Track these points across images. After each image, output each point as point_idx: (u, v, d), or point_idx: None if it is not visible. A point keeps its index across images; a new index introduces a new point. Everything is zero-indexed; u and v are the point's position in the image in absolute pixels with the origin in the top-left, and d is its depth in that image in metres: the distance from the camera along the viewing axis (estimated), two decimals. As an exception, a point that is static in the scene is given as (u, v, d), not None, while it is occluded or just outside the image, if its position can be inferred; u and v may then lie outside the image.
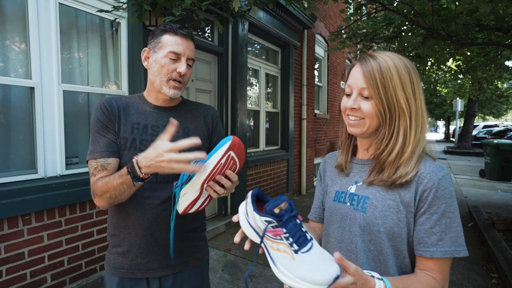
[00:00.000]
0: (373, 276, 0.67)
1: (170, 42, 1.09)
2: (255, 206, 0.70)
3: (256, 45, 5.02)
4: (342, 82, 8.21)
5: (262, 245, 0.68)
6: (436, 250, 0.75)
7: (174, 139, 1.10)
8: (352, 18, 4.10)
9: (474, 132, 17.48)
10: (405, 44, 4.32)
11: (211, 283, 2.73)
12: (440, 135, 37.59)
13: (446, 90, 14.31)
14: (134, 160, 0.92)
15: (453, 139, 20.24)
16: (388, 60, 0.80)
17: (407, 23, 3.80)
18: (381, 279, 0.68)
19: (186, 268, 1.18)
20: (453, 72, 7.10)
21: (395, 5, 3.49)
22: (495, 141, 8.09)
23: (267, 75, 5.27)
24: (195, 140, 0.84)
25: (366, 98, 0.81)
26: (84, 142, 2.54)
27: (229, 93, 4.10)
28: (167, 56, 1.08)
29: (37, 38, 2.16)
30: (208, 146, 1.24)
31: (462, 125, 16.26)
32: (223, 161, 0.90)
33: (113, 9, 2.27)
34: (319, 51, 6.97)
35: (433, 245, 0.75)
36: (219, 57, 4.03)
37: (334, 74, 7.66)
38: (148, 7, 2.16)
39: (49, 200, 2.16)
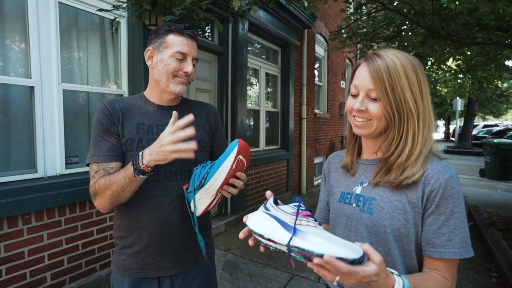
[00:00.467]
0: (392, 273, 0.67)
1: (176, 42, 1.10)
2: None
3: (256, 44, 5.01)
4: (342, 82, 8.21)
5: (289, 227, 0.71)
6: (445, 251, 0.74)
7: None
8: (352, 17, 4.09)
9: (474, 132, 17.47)
10: (405, 44, 4.32)
11: (211, 282, 2.72)
12: (440, 135, 37.59)
13: (446, 90, 14.31)
14: (139, 153, 0.97)
15: (453, 139, 20.24)
16: (395, 59, 0.78)
17: (407, 22, 3.79)
18: (399, 276, 0.67)
19: (196, 266, 1.19)
20: (453, 71, 7.10)
21: (395, 4, 3.49)
22: (495, 140, 8.10)
23: (267, 74, 5.27)
24: (191, 131, 0.91)
25: (374, 99, 0.79)
26: (84, 142, 2.54)
27: (229, 92, 4.10)
28: (174, 56, 1.09)
29: (37, 37, 2.15)
30: (211, 144, 1.26)
31: (462, 124, 16.26)
32: (234, 165, 0.97)
33: (113, 8, 2.27)
34: (319, 50, 6.97)
35: (441, 246, 0.75)
36: (219, 57, 4.03)
37: (334, 73, 7.66)
38: (148, 6, 2.16)
39: (49, 200, 2.16)
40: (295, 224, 0.68)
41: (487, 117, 27.51)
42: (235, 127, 4.09)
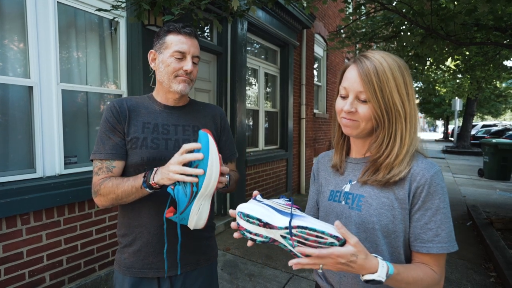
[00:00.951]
0: (376, 257, 0.70)
1: (174, 42, 1.10)
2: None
3: (255, 44, 5.02)
4: (341, 82, 8.20)
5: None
6: (433, 246, 0.77)
7: (186, 137, 1.16)
8: (351, 17, 4.10)
9: (473, 132, 17.51)
10: (404, 44, 4.33)
11: (210, 282, 2.72)
12: (439, 135, 37.66)
13: (445, 90, 14.34)
14: (155, 168, 0.98)
15: (452, 139, 20.28)
16: (383, 61, 0.80)
17: (406, 22, 3.80)
18: (384, 261, 0.70)
19: (197, 268, 1.19)
20: (451, 71, 7.11)
21: (394, 4, 3.49)
22: (494, 140, 8.12)
23: (266, 74, 5.27)
24: (197, 156, 0.90)
25: (364, 101, 0.81)
26: (83, 142, 2.53)
27: (228, 92, 4.10)
28: (173, 55, 1.10)
29: (35, 37, 2.15)
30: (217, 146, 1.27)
31: (461, 124, 16.28)
32: (218, 153, 0.94)
33: (112, 8, 2.27)
34: (318, 50, 6.98)
35: (429, 241, 0.78)
36: (218, 57, 4.03)
37: (333, 73, 7.66)
38: (147, 6, 2.16)
39: (48, 200, 2.15)
40: (291, 210, 0.73)
41: (486, 117, 27.57)
42: (234, 127, 4.09)
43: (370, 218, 0.82)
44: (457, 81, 10.25)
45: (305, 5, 3.69)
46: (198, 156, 0.90)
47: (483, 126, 19.93)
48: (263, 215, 0.70)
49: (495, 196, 6.11)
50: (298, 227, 0.66)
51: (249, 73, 4.85)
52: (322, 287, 0.96)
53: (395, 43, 4.60)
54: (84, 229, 2.42)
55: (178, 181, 0.94)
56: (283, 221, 0.69)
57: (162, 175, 0.94)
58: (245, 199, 4.44)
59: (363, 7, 3.96)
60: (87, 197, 2.36)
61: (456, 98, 14.89)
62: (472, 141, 16.05)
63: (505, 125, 19.82)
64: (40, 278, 2.17)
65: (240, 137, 4.15)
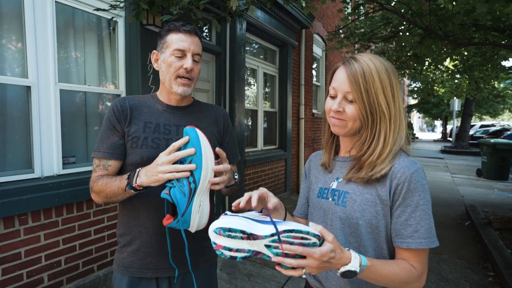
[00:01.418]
0: (348, 250, 0.73)
1: (174, 40, 1.10)
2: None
3: (254, 44, 5.01)
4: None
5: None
6: (412, 242, 0.79)
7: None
8: (349, 17, 4.10)
9: (471, 132, 17.55)
10: (403, 44, 4.33)
11: (209, 282, 2.72)
12: (437, 135, 37.76)
13: (443, 90, 14.39)
14: (137, 170, 0.97)
15: (450, 139, 20.33)
16: (370, 64, 0.83)
17: (404, 23, 3.81)
18: (356, 253, 0.73)
19: (196, 269, 1.18)
20: (450, 72, 7.13)
21: (392, 4, 3.50)
22: (492, 140, 8.14)
23: (265, 74, 5.27)
24: (189, 152, 0.89)
25: (351, 101, 0.84)
26: (81, 142, 2.53)
27: (227, 92, 4.10)
28: (173, 54, 1.10)
29: (33, 36, 2.14)
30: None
31: (459, 124, 16.32)
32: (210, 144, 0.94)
33: (110, 7, 2.26)
34: (317, 50, 6.98)
35: (409, 237, 0.80)
36: (217, 57, 4.03)
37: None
38: (146, 6, 2.15)
39: (46, 200, 2.14)
40: (270, 217, 0.72)
41: (484, 117, 27.63)
42: (233, 127, 4.07)
43: (354, 213, 0.85)
44: (456, 81, 10.28)
45: (304, 5, 3.69)
46: (190, 151, 0.89)
47: (481, 126, 19.97)
48: (245, 227, 0.67)
49: (493, 196, 6.13)
50: (285, 231, 0.66)
51: (248, 73, 4.85)
52: (311, 285, 0.99)
53: (394, 43, 4.61)
54: (83, 229, 2.42)
55: (172, 183, 0.92)
56: (267, 229, 0.68)
57: (148, 177, 0.92)
58: (244, 199, 4.43)
59: (361, 7, 3.96)
60: (86, 197, 2.35)
61: (455, 98, 14.95)
62: (470, 141, 16.09)
63: (503, 125, 19.88)
64: (38, 278, 2.16)
65: (239, 137, 4.15)
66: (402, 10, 3.37)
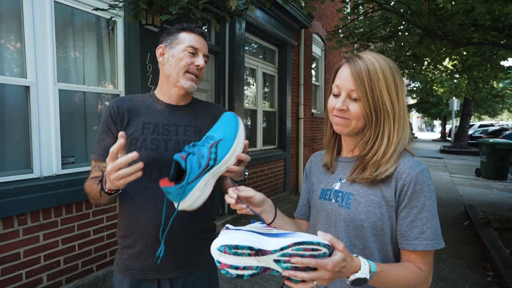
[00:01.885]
0: (357, 256, 0.71)
1: (188, 38, 1.12)
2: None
3: (253, 44, 5.01)
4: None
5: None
6: (419, 243, 0.78)
7: (186, 138, 1.14)
8: (349, 17, 4.10)
9: (470, 132, 17.57)
10: (402, 44, 4.34)
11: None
12: (436, 135, 37.80)
13: (442, 90, 14.40)
14: (104, 173, 0.91)
15: (449, 138, 20.35)
16: (375, 62, 0.81)
17: (403, 22, 3.81)
18: (365, 259, 0.71)
19: (197, 270, 1.18)
20: (449, 71, 7.14)
21: (392, 4, 3.50)
22: (491, 140, 8.15)
23: (264, 74, 5.27)
24: (132, 155, 0.82)
25: (354, 100, 0.82)
26: (81, 142, 2.52)
27: (226, 92, 4.09)
28: (186, 50, 1.11)
29: (32, 36, 2.14)
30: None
31: (458, 124, 16.35)
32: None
33: (109, 7, 2.26)
34: (316, 50, 6.98)
35: (415, 238, 0.78)
36: (216, 56, 4.03)
37: (331, 73, 7.67)
38: (145, 6, 2.15)
39: (45, 200, 2.14)
40: (275, 231, 0.69)
41: (483, 117, 27.68)
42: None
43: (359, 215, 0.83)
44: (455, 81, 10.29)
45: (303, 4, 3.69)
46: (130, 156, 0.81)
47: (480, 126, 19.99)
48: (253, 242, 0.63)
49: (492, 196, 6.14)
50: (295, 244, 0.62)
51: (247, 73, 4.85)
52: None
53: (393, 43, 4.61)
54: (82, 229, 2.41)
55: (193, 150, 0.88)
56: (276, 243, 0.64)
57: (111, 183, 0.87)
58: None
59: (361, 7, 3.96)
60: (85, 197, 2.33)
61: (454, 98, 14.95)
62: (469, 141, 16.10)
63: (502, 125, 19.90)
64: (37, 278, 2.15)
65: (238, 137, 4.15)
66: (401, 10, 3.37)
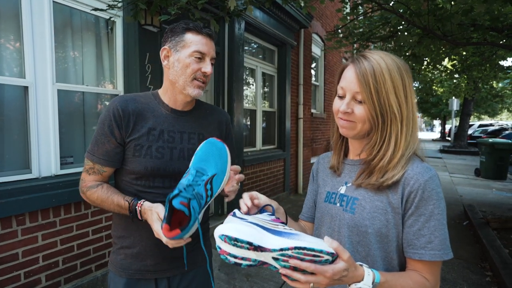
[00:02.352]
0: (361, 265, 0.69)
1: (194, 41, 1.06)
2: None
3: (252, 44, 5.01)
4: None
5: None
6: (425, 253, 0.75)
7: (191, 146, 1.13)
8: (348, 17, 4.10)
9: (470, 131, 17.58)
10: (401, 44, 4.34)
11: (208, 282, 2.72)
12: (436, 134, 37.83)
13: (442, 90, 14.39)
14: (137, 208, 1.00)
15: (449, 138, 20.36)
16: (381, 62, 0.78)
17: (403, 22, 3.81)
18: (369, 268, 0.69)
19: (194, 268, 1.19)
20: (448, 71, 7.14)
21: (391, 4, 3.50)
22: (490, 140, 8.15)
23: (263, 74, 5.27)
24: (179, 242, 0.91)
25: (360, 102, 0.79)
26: (79, 142, 2.52)
27: (225, 92, 4.09)
28: (192, 55, 1.06)
29: (31, 36, 2.13)
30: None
31: (457, 124, 16.35)
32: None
33: (108, 7, 2.25)
34: (316, 50, 6.98)
35: (422, 248, 0.75)
36: (216, 56, 4.02)
37: (331, 73, 7.67)
38: (144, 6, 2.15)
39: (44, 200, 2.14)
40: (283, 227, 0.68)
41: (483, 116, 27.71)
42: (232, 127, 4.08)
43: (363, 221, 0.80)
44: (454, 81, 10.29)
45: (302, 4, 3.68)
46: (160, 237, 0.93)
47: (480, 125, 20.01)
48: (253, 238, 0.63)
49: (491, 196, 6.14)
50: (296, 248, 0.61)
51: (247, 73, 4.85)
52: None
53: (393, 43, 4.61)
54: (81, 229, 2.41)
55: (192, 193, 0.88)
56: (277, 243, 0.63)
57: (150, 221, 0.98)
58: (242, 199, 4.43)
59: (360, 7, 3.96)
60: (84, 197, 2.35)
61: (453, 98, 14.96)
62: (469, 141, 16.12)
63: (502, 125, 19.91)
64: (36, 279, 2.15)
65: (237, 137, 4.15)
66: (401, 10, 3.37)
